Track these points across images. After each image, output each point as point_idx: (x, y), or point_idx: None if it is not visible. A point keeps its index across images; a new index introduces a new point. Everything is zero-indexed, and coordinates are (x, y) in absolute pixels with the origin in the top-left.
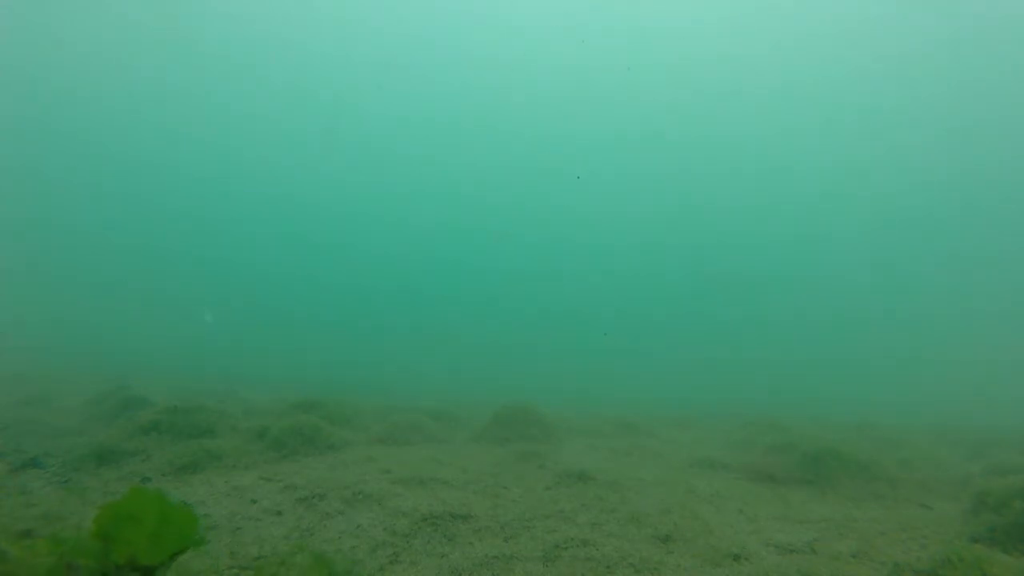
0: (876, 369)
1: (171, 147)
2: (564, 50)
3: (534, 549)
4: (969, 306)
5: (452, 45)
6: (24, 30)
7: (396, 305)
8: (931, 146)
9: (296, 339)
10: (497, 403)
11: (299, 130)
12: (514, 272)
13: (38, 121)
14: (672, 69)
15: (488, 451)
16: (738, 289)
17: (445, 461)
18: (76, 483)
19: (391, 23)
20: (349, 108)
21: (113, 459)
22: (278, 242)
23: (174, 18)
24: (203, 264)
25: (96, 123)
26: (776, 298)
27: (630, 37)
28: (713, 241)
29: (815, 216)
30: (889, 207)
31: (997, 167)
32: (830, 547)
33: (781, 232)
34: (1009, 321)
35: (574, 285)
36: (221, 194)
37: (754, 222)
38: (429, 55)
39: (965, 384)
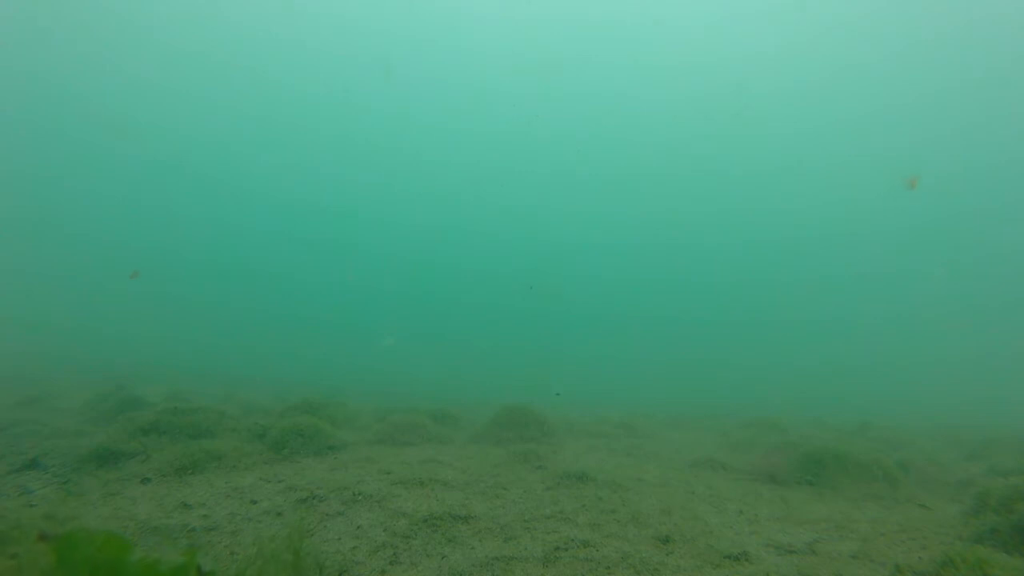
0: (876, 370)
1: (170, 148)
2: (566, 49)
3: (534, 550)
4: (969, 306)
5: (453, 45)
6: (23, 31)
7: (396, 306)
8: (931, 146)
9: (296, 340)
10: (497, 404)
11: (299, 130)
12: (514, 273)
13: (36, 121)
14: (674, 69)
15: (488, 452)
16: (740, 290)
17: (445, 462)
18: (76, 484)
19: (393, 22)
20: (349, 108)
21: (113, 460)
22: (278, 243)
23: (174, 18)
24: (203, 265)
25: (95, 124)
26: (777, 299)
27: (633, 36)
28: (715, 242)
29: (815, 217)
30: (889, 208)
31: (997, 167)
32: (830, 548)
33: (781, 233)
34: (1009, 321)
35: (574, 286)
36: (221, 195)
37: (756, 222)
38: (429, 55)
39: (965, 384)
